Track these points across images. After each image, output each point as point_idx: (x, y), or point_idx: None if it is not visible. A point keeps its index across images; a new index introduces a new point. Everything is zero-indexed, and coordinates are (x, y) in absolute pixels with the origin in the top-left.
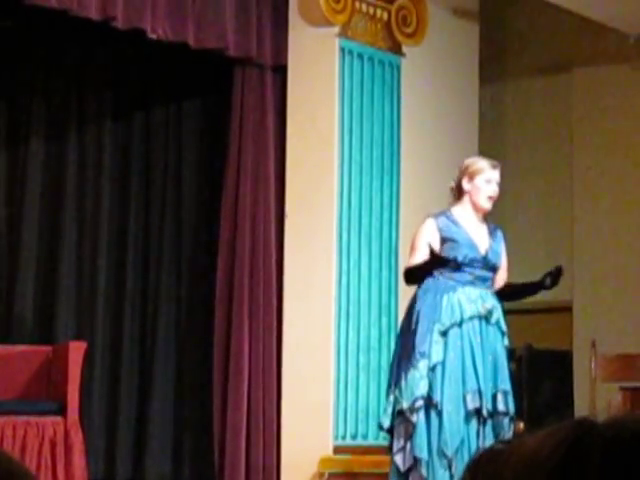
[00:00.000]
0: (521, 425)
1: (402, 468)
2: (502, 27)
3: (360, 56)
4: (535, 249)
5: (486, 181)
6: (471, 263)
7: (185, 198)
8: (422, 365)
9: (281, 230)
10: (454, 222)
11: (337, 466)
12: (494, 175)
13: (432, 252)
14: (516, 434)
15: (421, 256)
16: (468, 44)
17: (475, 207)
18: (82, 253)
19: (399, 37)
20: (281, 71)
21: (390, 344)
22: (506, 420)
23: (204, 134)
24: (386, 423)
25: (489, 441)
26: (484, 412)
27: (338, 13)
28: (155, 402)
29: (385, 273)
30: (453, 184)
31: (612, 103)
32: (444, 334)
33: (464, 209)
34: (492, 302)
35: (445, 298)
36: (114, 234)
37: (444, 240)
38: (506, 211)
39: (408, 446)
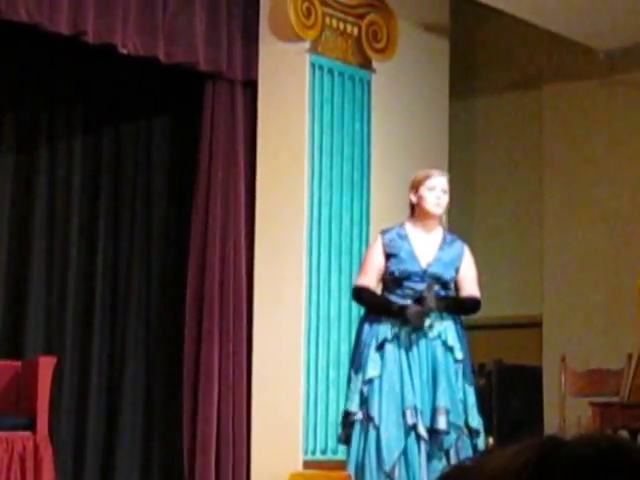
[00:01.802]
0: (490, 440)
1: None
2: (472, 43)
3: (330, 71)
4: (506, 265)
5: (429, 189)
6: (410, 277)
7: (155, 213)
8: (357, 380)
9: (251, 245)
10: (402, 236)
11: None
12: (437, 182)
13: (389, 304)
14: (485, 450)
15: (369, 279)
16: (438, 60)
17: (425, 216)
18: (51, 268)
19: (369, 53)
20: (252, 86)
21: None
22: (451, 438)
23: (174, 148)
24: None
25: (434, 458)
26: (420, 429)
27: (308, 29)
28: (124, 417)
29: None
30: (408, 201)
31: (582, 118)
32: (380, 348)
33: (415, 223)
34: (436, 317)
35: (393, 318)
36: (83, 249)
37: (388, 256)
38: (476, 228)
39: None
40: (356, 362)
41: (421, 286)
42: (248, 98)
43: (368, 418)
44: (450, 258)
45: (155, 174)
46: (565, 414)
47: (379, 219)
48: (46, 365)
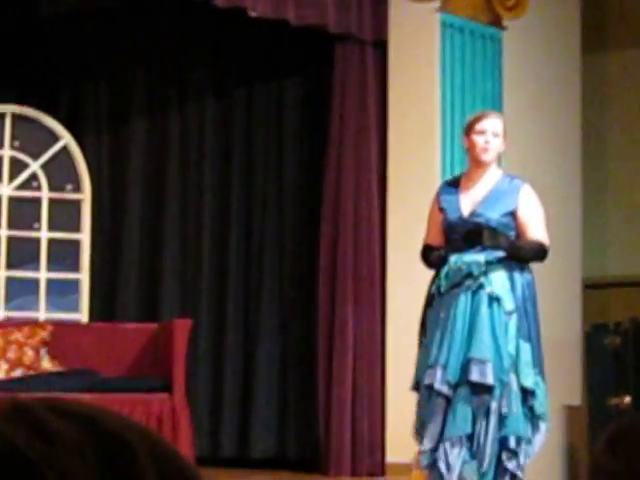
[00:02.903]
0: (627, 399)
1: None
2: None
3: (461, 30)
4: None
5: (478, 132)
6: (454, 228)
7: (287, 175)
8: (420, 344)
9: (384, 205)
10: (453, 186)
11: None
12: (486, 125)
13: (435, 255)
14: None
15: (430, 237)
16: (569, 15)
17: (475, 163)
18: (185, 230)
19: (500, 10)
20: (382, 47)
21: None
22: (499, 391)
23: (305, 110)
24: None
25: (455, 409)
26: (438, 386)
27: None
28: (259, 378)
29: None
30: None
31: None
32: (429, 306)
33: (469, 169)
34: (480, 267)
35: (437, 272)
36: (216, 211)
37: (441, 209)
38: (610, 186)
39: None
40: (421, 325)
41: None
42: (378, 59)
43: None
44: (501, 200)
45: (286, 136)
46: None
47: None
48: (182, 327)
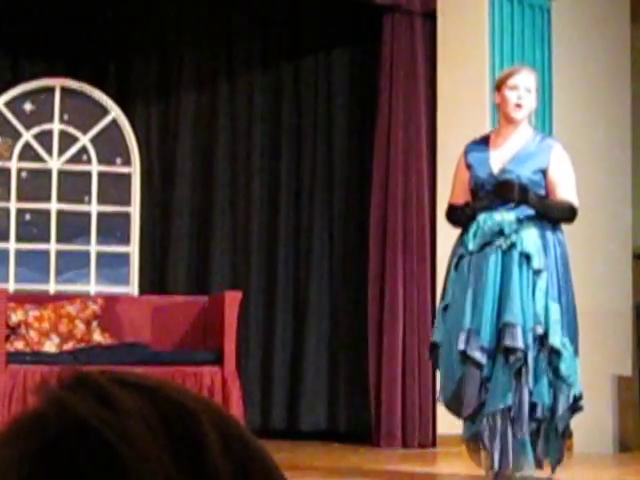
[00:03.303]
0: None
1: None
2: None
3: (510, 0)
4: None
5: (510, 88)
6: (483, 186)
7: (336, 145)
8: (440, 308)
9: (434, 180)
10: (483, 143)
11: None
12: (521, 79)
13: (463, 209)
14: None
15: (455, 196)
16: None
17: (507, 119)
18: (235, 203)
19: None
20: (430, 17)
21: None
22: (532, 355)
23: (354, 82)
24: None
25: (496, 379)
26: (472, 353)
27: None
28: (310, 352)
29: None
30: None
31: None
32: (456, 268)
33: (499, 125)
34: (512, 225)
35: (465, 231)
36: (266, 184)
37: (468, 167)
38: None
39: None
40: (442, 288)
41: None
42: (427, 29)
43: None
44: (532, 157)
45: (335, 108)
46: None
47: (562, 144)
48: (232, 300)
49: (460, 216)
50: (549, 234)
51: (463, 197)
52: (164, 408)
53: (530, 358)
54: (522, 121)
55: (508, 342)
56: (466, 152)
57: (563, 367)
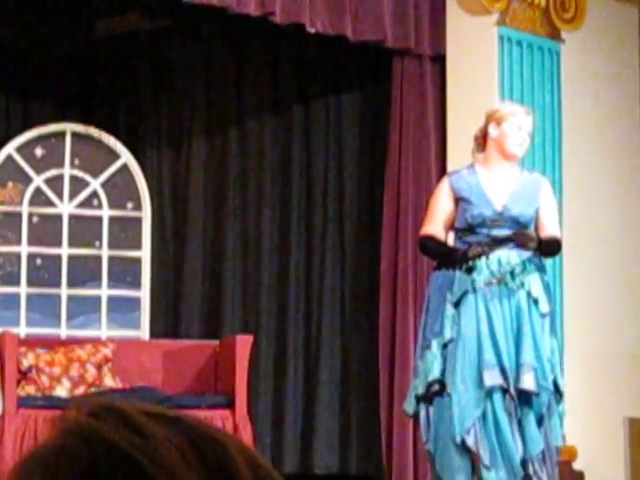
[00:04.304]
0: None
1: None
2: None
3: (519, 43)
4: None
5: (516, 126)
6: (484, 222)
7: (346, 189)
8: (435, 345)
9: None
10: (473, 178)
11: None
12: (525, 121)
13: (453, 251)
14: None
15: (435, 227)
16: (628, 27)
17: (504, 155)
18: (246, 247)
19: (558, 23)
20: (440, 61)
21: None
22: (547, 398)
23: (364, 126)
24: (409, 409)
25: (527, 422)
26: (511, 390)
27: (496, 1)
28: (321, 394)
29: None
30: (478, 133)
31: None
32: (457, 305)
33: (488, 159)
34: (516, 264)
35: (458, 267)
36: (276, 227)
37: (458, 200)
38: None
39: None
40: (432, 323)
41: (496, 231)
42: (437, 73)
43: (443, 386)
44: (528, 194)
45: (346, 151)
46: None
47: (572, 190)
48: (244, 344)
49: (441, 252)
50: (544, 276)
51: (442, 229)
52: (191, 435)
53: (548, 401)
54: (518, 160)
55: (528, 385)
56: (453, 185)
57: (561, 408)
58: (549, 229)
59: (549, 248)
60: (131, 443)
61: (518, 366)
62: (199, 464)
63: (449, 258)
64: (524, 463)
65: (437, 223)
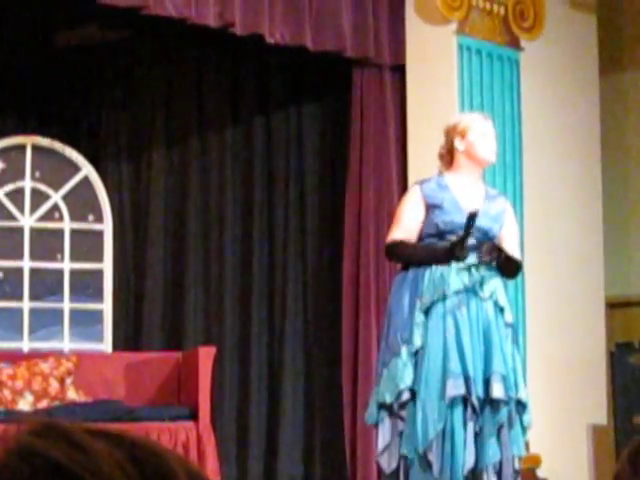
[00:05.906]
0: None
1: (387, 470)
2: (620, 15)
3: (479, 52)
4: None
5: (482, 134)
6: (455, 230)
7: (308, 200)
8: (405, 352)
9: None
10: (443, 187)
11: None
12: (489, 127)
13: (437, 249)
14: None
15: (405, 232)
16: (586, 35)
17: (476, 163)
18: (208, 257)
19: (517, 31)
20: (400, 70)
21: None
22: (508, 408)
23: (325, 135)
24: (371, 419)
25: (487, 432)
26: (473, 400)
27: (455, 10)
28: (285, 404)
29: None
30: (442, 150)
31: None
32: (426, 313)
33: (457, 172)
34: (485, 273)
35: (427, 272)
36: (239, 238)
37: (429, 207)
38: (632, 204)
39: (395, 444)
40: (401, 329)
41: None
42: (397, 82)
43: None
44: (495, 212)
45: (306, 162)
46: None
47: (532, 199)
48: (206, 355)
49: (419, 251)
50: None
51: (411, 234)
52: (132, 451)
53: (510, 411)
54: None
55: (497, 394)
56: (425, 192)
57: (526, 419)
58: (511, 250)
59: (510, 266)
60: (72, 459)
61: (487, 375)
62: (139, 478)
63: (431, 253)
64: (478, 473)
65: (406, 230)
